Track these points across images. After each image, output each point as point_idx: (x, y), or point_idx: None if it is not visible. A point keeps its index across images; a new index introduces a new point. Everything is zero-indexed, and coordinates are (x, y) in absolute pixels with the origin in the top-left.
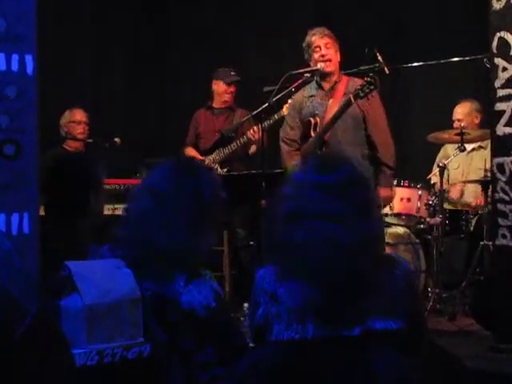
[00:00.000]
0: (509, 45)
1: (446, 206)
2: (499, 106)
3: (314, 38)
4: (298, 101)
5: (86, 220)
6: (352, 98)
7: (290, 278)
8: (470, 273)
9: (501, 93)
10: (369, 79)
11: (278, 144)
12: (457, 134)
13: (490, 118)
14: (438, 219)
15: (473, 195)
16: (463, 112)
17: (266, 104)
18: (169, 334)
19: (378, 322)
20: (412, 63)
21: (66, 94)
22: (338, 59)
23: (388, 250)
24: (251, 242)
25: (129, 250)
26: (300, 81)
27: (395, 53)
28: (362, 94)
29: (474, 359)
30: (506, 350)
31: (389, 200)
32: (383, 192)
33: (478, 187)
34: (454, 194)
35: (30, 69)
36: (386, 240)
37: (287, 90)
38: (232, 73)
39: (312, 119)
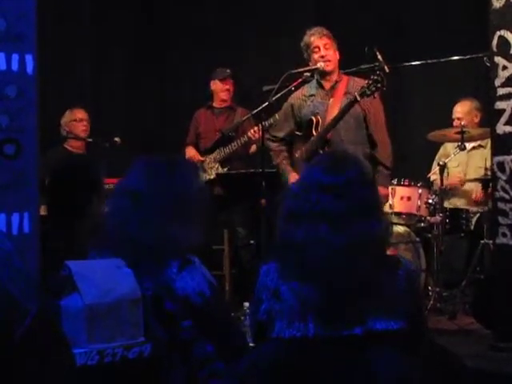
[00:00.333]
0: (509, 43)
1: (447, 204)
2: (499, 105)
3: (312, 39)
4: (295, 100)
5: (86, 220)
6: (358, 96)
7: (291, 277)
8: (471, 271)
9: (501, 91)
10: (376, 77)
11: None
12: (457, 133)
13: (490, 116)
14: (438, 218)
15: (472, 191)
16: (463, 110)
17: (266, 103)
18: (167, 326)
19: (378, 322)
20: (412, 62)
21: (66, 94)
22: (338, 58)
23: (388, 249)
24: (251, 241)
25: (114, 249)
26: (300, 80)
27: (395, 52)
28: (368, 92)
29: (474, 358)
30: (506, 348)
31: (384, 199)
32: (380, 191)
33: (478, 186)
34: (453, 180)
35: (30, 68)
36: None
37: (287, 89)
38: (227, 70)
39: (314, 118)
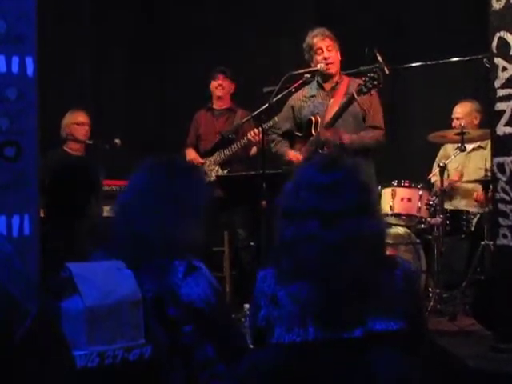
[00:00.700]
0: (509, 45)
1: (447, 205)
2: (499, 106)
3: (315, 40)
4: (296, 102)
5: (85, 221)
6: (355, 94)
7: (287, 279)
8: (471, 273)
9: (501, 93)
10: (372, 75)
11: None
12: (457, 134)
13: (490, 117)
14: (438, 219)
15: (473, 192)
16: (463, 111)
17: (267, 105)
18: (169, 330)
19: (378, 323)
20: (412, 63)
21: (65, 95)
22: (339, 59)
23: (389, 250)
24: (252, 243)
25: (121, 247)
26: (300, 81)
27: (395, 53)
28: (365, 90)
29: (474, 359)
30: (507, 349)
31: (335, 138)
32: (345, 136)
33: (479, 187)
34: (453, 176)
35: (30, 71)
36: (387, 240)
37: (287, 91)
38: (219, 68)
39: (313, 118)
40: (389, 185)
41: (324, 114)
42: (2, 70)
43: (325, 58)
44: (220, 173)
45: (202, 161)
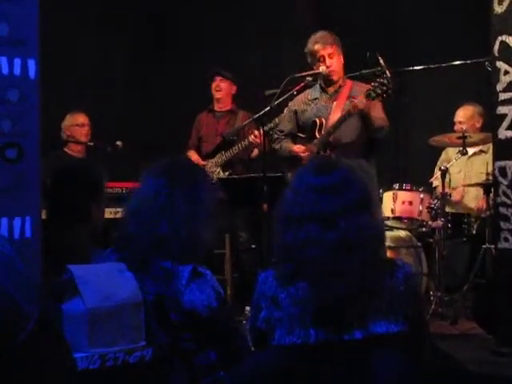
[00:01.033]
0: (510, 48)
1: (448, 209)
2: (501, 110)
3: (317, 47)
4: (299, 105)
5: (87, 224)
6: (364, 98)
7: (288, 281)
8: (472, 276)
9: (502, 96)
10: (382, 80)
11: None
12: (459, 138)
13: (491, 121)
14: (439, 222)
15: (474, 199)
16: (465, 115)
17: (268, 107)
18: (170, 335)
19: (379, 325)
20: (414, 67)
21: (66, 95)
22: (342, 62)
23: (390, 254)
24: (253, 245)
25: (128, 248)
26: (302, 84)
27: (397, 56)
28: (373, 95)
29: (475, 363)
30: (508, 353)
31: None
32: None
33: (480, 191)
34: (455, 196)
35: (32, 73)
36: (388, 243)
37: (289, 94)
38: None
39: (317, 120)
40: (390, 188)
41: (327, 116)
42: (4, 72)
43: (327, 67)
44: (221, 175)
45: (204, 163)
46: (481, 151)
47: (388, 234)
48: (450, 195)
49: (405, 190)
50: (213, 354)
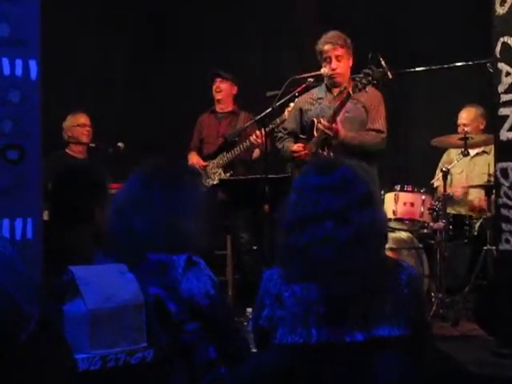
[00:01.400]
0: None
1: (450, 210)
2: (502, 111)
3: (326, 48)
4: (304, 104)
5: (89, 225)
6: (351, 91)
7: (295, 279)
8: (474, 278)
9: (504, 98)
10: (366, 71)
11: None
12: (460, 139)
13: (493, 123)
14: (441, 224)
15: (476, 198)
16: (468, 117)
17: (270, 109)
18: (171, 334)
19: (381, 328)
20: (415, 68)
21: (66, 96)
22: (350, 65)
23: (391, 255)
24: (254, 247)
25: (117, 246)
26: (303, 85)
27: (398, 57)
28: (360, 86)
29: (476, 364)
30: (509, 355)
31: (331, 130)
32: (341, 130)
33: (482, 192)
34: (457, 192)
35: (33, 74)
36: (389, 245)
37: (291, 95)
38: (213, 70)
39: (315, 120)
40: (392, 189)
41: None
42: (5, 73)
43: (332, 69)
44: (223, 176)
45: (205, 164)
46: (483, 152)
47: (389, 235)
48: (452, 191)
49: (406, 191)
50: (213, 351)
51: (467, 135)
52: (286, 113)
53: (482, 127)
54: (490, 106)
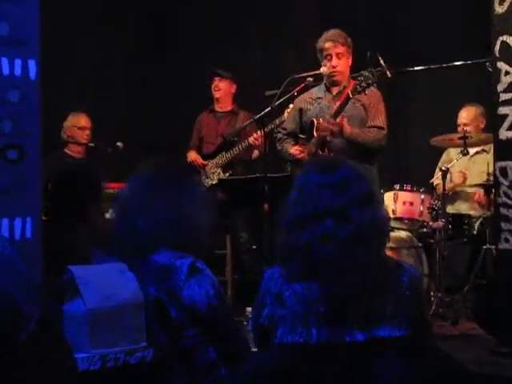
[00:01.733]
0: (511, 49)
1: (449, 209)
2: (502, 110)
3: (326, 45)
4: (303, 103)
5: (87, 224)
6: (350, 94)
7: (296, 278)
8: (473, 277)
9: (503, 97)
10: (366, 74)
11: None
12: (460, 138)
13: (492, 122)
14: (440, 223)
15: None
16: (468, 116)
17: (269, 108)
18: (171, 336)
19: (382, 329)
20: (414, 67)
21: (66, 96)
22: (349, 64)
23: (390, 254)
24: (254, 246)
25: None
26: (303, 85)
27: (397, 56)
28: (359, 89)
29: (476, 363)
30: (508, 354)
31: (336, 127)
32: (346, 126)
33: (481, 191)
34: (456, 180)
35: (32, 73)
36: (389, 244)
37: (290, 94)
38: (212, 69)
39: (315, 120)
40: (391, 188)
41: (327, 116)
42: (4, 73)
43: (333, 67)
44: (222, 176)
45: (205, 162)
46: (483, 151)
47: (389, 234)
48: (452, 191)
49: (406, 190)
50: (212, 352)
51: (466, 134)
52: (285, 114)
53: (482, 126)
54: (490, 105)
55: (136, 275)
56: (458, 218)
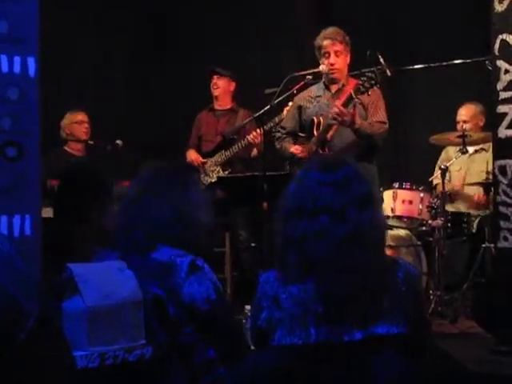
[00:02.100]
0: (511, 47)
1: (448, 208)
2: (501, 109)
3: (325, 43)
4: (303, 101)
5: (89, 223)
6: (353, 94)
7: (291, 278)
8: (472, 275)
9: (503, 95)
10: (370, 74)
11: None
12: (459, 137)
13: (491, 120)
14: (439, 221)
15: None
16: (468, 114)
17: (268, 106)
18: (170, 333)
19: (380, 326)
20: (414, 66)
21: (65, 96)
22: (348, 62)
23: (390, 253)
24: (253, 244)
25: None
26: (302, 83)
27: (397, 55)
28: (363, 89)
29: (475, 362)
30: (508, 352)
31: (349, 117)
32: (359, 119)
33: (480, 189)
34: (456, 183)
35: (32, 71)
36: (388, 242)
37: (289, 93)
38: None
39: (315, 118)
40: (390, 187)
41: (328, 115)
42: (3, 70)
43: (331, 64)
44: (221, 174)
45: (204, 161)
46: (482, 149)
47: (388, 232)
48: (450, 191)
49: (405, 188)
50: (212, 350)
51: (465, 133)
52: (284, 112)
53: (481, 124)
54: (489, 103)
55: (135, 273)
56: (457, 217)
